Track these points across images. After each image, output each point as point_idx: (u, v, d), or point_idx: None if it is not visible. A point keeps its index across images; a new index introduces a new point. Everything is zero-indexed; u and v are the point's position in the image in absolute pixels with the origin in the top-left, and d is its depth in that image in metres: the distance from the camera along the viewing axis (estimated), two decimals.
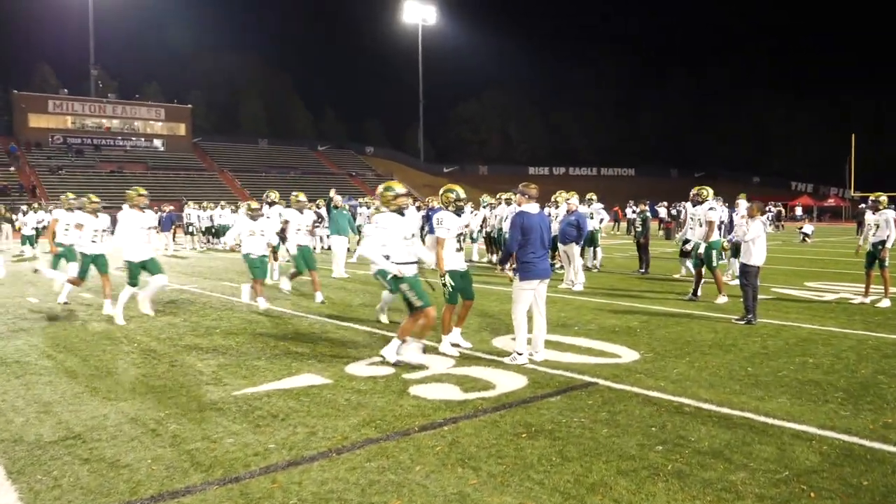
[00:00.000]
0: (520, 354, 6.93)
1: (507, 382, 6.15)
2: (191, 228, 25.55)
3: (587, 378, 6.27)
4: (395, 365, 6.76)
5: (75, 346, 7.99)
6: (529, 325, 7.04)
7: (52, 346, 8.00)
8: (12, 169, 53.39)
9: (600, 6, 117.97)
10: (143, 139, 64.84)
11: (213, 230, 25.31)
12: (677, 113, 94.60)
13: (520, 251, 6.91)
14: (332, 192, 16.23)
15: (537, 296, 7.02)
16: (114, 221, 10.19)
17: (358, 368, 6.74)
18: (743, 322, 9.05)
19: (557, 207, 14.44)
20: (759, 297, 9.74)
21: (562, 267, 13.76)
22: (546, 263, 7.03)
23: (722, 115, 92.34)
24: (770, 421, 5.05)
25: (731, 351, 7.42)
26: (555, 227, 12.96)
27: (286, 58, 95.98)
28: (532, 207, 7.07)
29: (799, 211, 39.92)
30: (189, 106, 69.37)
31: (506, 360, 6.97)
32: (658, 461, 4.29)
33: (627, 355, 7.25)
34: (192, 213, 25.50)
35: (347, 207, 18.04)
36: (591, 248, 16.02)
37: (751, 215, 9.44)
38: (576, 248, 12.82)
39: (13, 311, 10.60)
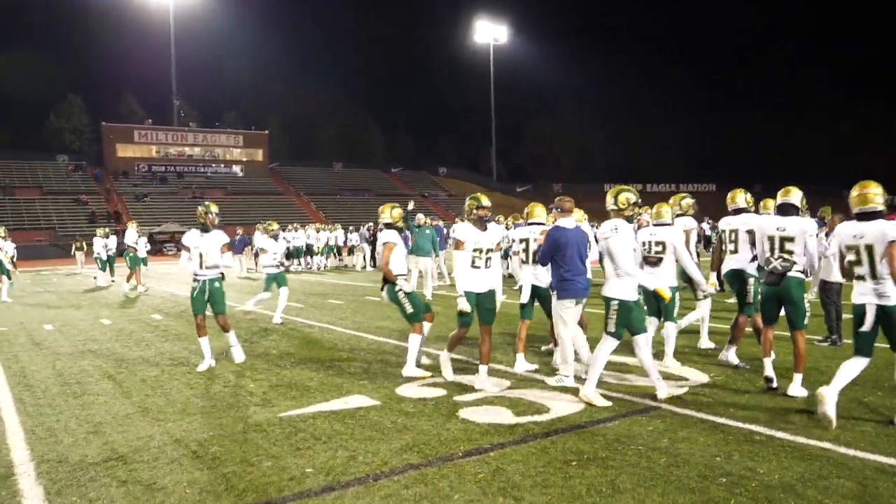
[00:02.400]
0: (566, 376, 6.61)
1: (562, 406, 5.82)
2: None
3: (649, 402, 5.88)
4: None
5: (136, 366, 8.09)
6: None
7: (115, 366, 8.13)
8: (102, 198, 56.04)
9: (671, 20, 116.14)
10: (222, 165, 66.99)
11: (288, 251, 25.61)
12: (760, 123, 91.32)
13: (556, 268, 6.62)
14: (411, 205, 14.39)
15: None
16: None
17: (409, 389, 6.54)
18: (826, 343, 8.43)
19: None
20: (845, 315, 9.04)
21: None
22: (584, 283, 6.65)
23: (810, 125, 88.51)
24: (851, 452, 4.55)
25: (812, 374, 6.83)
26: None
27: (359, 81, 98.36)
28: (568, 222, 6.73)
29: None
30: (266, 132, 71.38)
31: (550, 380, 6.64)
32: (720, 495, 3.90)
33: (695, 377, 6.81)
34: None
35: (428, 222, 15.94)
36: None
37: (831, 228, 8.83)
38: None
39: (86, 333, 10.91)
